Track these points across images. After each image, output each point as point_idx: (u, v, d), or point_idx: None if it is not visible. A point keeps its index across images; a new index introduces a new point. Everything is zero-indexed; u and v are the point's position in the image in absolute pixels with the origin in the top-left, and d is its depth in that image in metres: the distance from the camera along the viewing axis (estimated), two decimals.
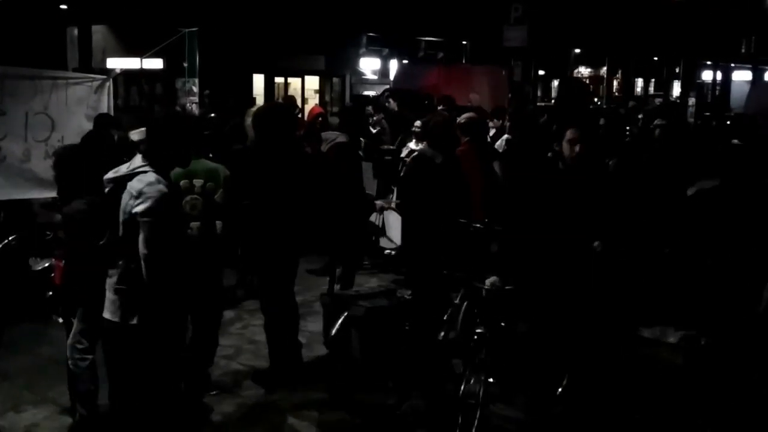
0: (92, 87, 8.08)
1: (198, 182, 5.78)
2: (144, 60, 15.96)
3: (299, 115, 14.63)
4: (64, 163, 5.37)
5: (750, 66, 41.39)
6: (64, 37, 19.75)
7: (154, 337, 4.51)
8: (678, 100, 28.06)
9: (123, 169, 4.61)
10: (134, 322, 4.45)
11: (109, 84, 8.22)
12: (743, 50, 38.42)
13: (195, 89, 11.68)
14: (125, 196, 4.48)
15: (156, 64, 19.42)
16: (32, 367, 5.67)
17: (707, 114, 24.78)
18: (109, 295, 4.57)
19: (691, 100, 23.29)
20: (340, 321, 6.10)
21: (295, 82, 27.90)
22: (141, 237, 4.36)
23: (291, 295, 6.30)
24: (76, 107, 7.86)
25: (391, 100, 13.54)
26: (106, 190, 4.65)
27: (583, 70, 42.68)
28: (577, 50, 35.10)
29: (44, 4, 17.79)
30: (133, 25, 19.21)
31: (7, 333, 6.78)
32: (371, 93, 24.05)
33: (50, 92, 7.65)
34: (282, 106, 7.94)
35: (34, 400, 5.68)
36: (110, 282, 4.57)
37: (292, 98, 17.08)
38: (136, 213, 4.36)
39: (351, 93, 28.10)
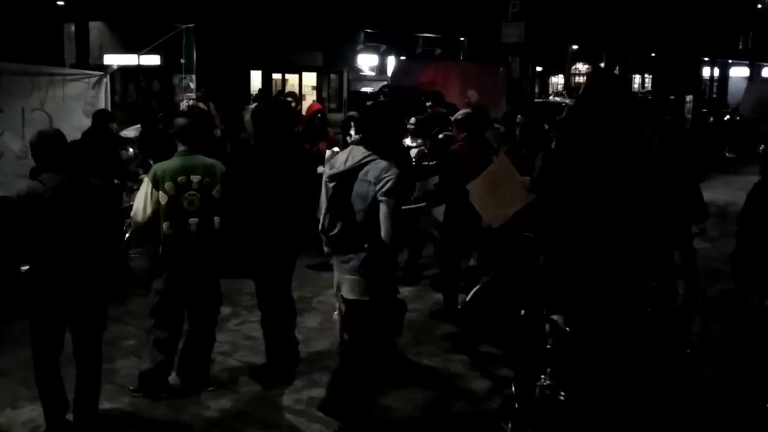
0: (89, 83, 8.08)
1: (195, 178, 5.79)
2: (141, 56, 15.94)
3: (298, 109, 14.48)
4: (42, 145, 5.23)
5: (747, 62, 41.45)
6: (62, 34, 19.66)
7: (393, 310, 5.20)
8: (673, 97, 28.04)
9: (339, 164, 5.05)
10: (380, 299, 5.03)
11: (107, 80, 8.22)
12: (741, 46, 38.48)
13: (192, 85, 11.67)
14: (361, 186, 4.92)
15: (153, 60, 19.40)
16: (29, 364, 5.63)
17: (705, 110, 24.79)
18: (352, 277, 5.02)
19: (689, 97, 23.29)
20: (473, 291, 6.24)
21: (292, 79, 27.85)
22: (382, 214, 4.80)
23: (288, 292, 6.30)
24: (74, 103, 7.86)
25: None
26: (331, 185, 5.08)
27: (581, 66, 42.71)
28: (575, 46, 35.12)
29: (41, 1, 17.73)
30: (130, 21, 19.16)
31: (3, 329, 6.78)
32: (369, 89, 24.03)
33: (47, 89, 7.64)
34: (281, 102, 7.91)
35: (30, 396, 5.64)
36: (351, 265, 5.00)
37: (293, 94, 17.03)
38: (378, 195, 4.81)
39: (348, 89, 28.05)
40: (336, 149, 9.27)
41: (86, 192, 5.09)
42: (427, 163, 8.24)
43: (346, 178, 5.01)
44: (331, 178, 5.10)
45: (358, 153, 5.03)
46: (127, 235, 8.25)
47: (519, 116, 8.31)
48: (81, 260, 5.02)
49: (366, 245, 4.94)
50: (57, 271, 4.97)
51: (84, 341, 5.22)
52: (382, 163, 4.91)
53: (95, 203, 5.13)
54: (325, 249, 5.32)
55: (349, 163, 5.00)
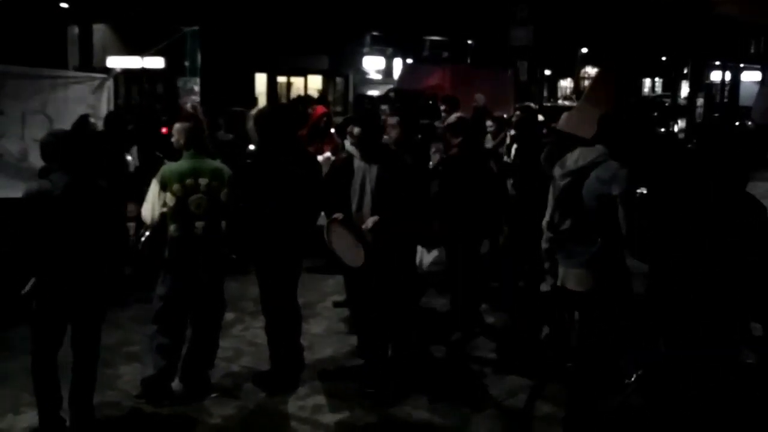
0: (92, 86, 8.04)
1: (203, 181, 5.79)
2: (145, 59, 15.93)
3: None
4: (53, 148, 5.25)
5: (759, 66, 41.31)
6: (65, 36, 19.71)
7: (615, 300, 5.30)
8: (686, 101, 27.95)
9: (570, 163, 5.35)
10: (603, 290, 5.21)
11: (110, 83, 8.16)
12: (752, 50, 38.37)
13: (196, 88, 11.64)
14: (593, 184, 5.19)
15: (157, 63, 19.40)
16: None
17: (716, 114, 24.68)
18: (582, 270, 5.27)
19: (700, 101, 23.20)
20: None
21: (297, 82, 27.90)
22: (621, 214, 5.05)
23: (293, 298, 6.23)
24: (76, 106, 7.81)
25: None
26: (562, 183, 5.36)
27: (590, 70, 42.63)
28: (584, 50, 35.05)
29: (45, 3, 17.77)
30: (134, 23, 19.18)
31: (5, 334, 6.72)
32: (375, 92, 24.04)
33: (49, 91, 7.61)
34: (284, 107, 7.87)
35: (32, 402, 5.55)
36: (581, 259, 5.26)
37: (307, 98, 16.86)
38: (614, 195, 5.07)
39: (354, 93, 28.06)
40: (327, 154, 9.20)
41: (94, 193, 5.18)
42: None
43: (577, 176, 5.30)
44: (563, 176, 5.40)
45: (589, 153, 5.34)
46: (142, 239, 8.11)
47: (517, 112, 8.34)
48: (85, 257, 5.09)
49: (596, 240, 5.22)
50: (62, 267, 5.03)
51: (83, 335, 5.28)
52: (614, 164, 5.19)
53: (101, 204, 5.21)
54: (544, 245, 5.59)
55: (581, 163, 5.31)
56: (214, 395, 6.00)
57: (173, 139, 6.17)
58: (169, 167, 5.86)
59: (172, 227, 5.72)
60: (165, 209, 5.70)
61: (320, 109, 12.29)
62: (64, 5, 18.15)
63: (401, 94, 17.38)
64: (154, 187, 5.76)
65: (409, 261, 6.58)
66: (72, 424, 5.29)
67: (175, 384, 5.98)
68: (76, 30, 19.75)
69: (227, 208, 5.86)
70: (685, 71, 36.39)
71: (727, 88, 42.33)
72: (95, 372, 5.39)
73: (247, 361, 6.72)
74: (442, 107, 10.77)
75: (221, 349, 6.37)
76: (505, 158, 8.49)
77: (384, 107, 13.97)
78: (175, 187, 5.69)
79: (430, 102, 14.29)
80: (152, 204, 5.74)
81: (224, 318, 6.39)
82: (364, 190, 5.95)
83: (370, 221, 5.80)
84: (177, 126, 6.13)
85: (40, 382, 5.21)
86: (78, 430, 5.29)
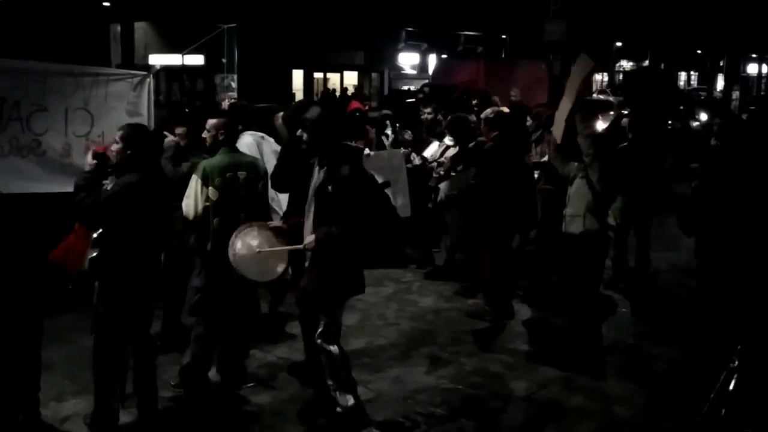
0: (132, 83, 8.10)
1: (242, 174, 5.90)
2: (185, 56, 16.08)
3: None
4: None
5: None
6: (108, 34, 19.97)
7: None
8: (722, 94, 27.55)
9: None
10: None
11: (150, 80, 8.24)
12: None
13: (234, 85, 11.74)
14: None
15: (197, 60, 19.61)
16: (75, 358, 5.75)
17: (752, 108, 24.38)
18: None
19: (735, 94, 22.87)
20: None
21: (334, 78, 28.00)
22: None
23: None
24: (116, 103, 7.88)
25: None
26: None
27: (625, 64, 42.15)
28: (619, 43, 34.72)
29: (88, 2, 18.00)
30: (174, 21, 19.38)
31: (50, 323, 6.89)
32: (410, 87, 24.07)
33: (90, 88, 7.68)
34: (312, 104, 7.92)
35: (75, 390, 5.74)
36: None
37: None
38: None
39: (390, 88, 28.11)
40: (366, 150, 9.23)
41: (165, 186, 5.46)
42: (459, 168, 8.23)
43: None
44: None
45: None
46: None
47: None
48: (152, 248, 5.35)
49: None
50: (139, 255, 5.22)
51: (142, 324, 5.41)
52: None
53: (168, 197, 5.50)
54: None
55: None
56: (250, 384, 6.08)
57: (206, 135, 6.24)
58: (209, 162, 5.91)
59: (215, 220, 5.79)
60: (208, 203, 5.79)
61: (354, 104, 12.33)
62: (106, 4, 18.35)
63: (436, 89, 17.41)
64: (195, 182, 5.81)
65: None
66: (140, 407, 5.42)
67: (212, 373, 6.07)
68: (118, 28, 19.99)
69: (262, 200, 6.01)
70: (721, 64, 35.90)
71: (763, 80, 41.62)
72: (154, 357, 5.53)
73: (283, 352, 6.79)
74: (474, 102, 10.76)
75: (257, 339, 6.49)
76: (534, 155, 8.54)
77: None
78: (218, 180, 5.79)
79: (464, 96, 14.29)
80: (195, 199, 5.79)
81: (260, 309, 6.48)
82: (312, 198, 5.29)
83: (308, 240, 5.15)
84: (213, 122, 6.18)
85: (105, 374, 5.27)
86: (147, 412, 5.45)
